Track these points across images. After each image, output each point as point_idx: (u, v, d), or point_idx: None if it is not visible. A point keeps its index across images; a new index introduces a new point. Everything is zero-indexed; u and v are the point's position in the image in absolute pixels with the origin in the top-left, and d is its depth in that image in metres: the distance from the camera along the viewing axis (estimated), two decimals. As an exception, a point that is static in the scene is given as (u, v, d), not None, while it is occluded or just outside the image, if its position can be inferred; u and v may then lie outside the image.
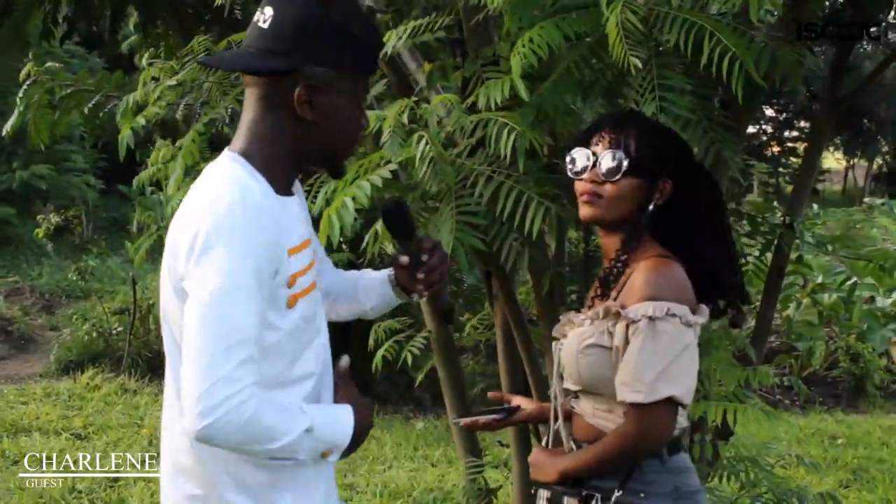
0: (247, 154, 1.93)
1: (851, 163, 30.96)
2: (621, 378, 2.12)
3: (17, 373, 8.48)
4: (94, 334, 8.65)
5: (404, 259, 2.17)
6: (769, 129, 28.17)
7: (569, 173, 2.29)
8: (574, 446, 2.30)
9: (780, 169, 27.29)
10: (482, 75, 3.01)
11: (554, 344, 2.37)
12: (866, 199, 24.16)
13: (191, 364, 1.78)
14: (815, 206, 19.68)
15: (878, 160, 31.84)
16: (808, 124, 25.97)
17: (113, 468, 5.86)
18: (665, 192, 2.23)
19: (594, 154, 2.22)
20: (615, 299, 2.18)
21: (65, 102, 4.62)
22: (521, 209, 2.75)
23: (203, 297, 1.79)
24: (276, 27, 1.87)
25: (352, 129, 1.98)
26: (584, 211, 2.24)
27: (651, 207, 2.22)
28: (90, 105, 4.53)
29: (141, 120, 3.57)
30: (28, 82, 4.55)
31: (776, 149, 28.20)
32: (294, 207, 1.99)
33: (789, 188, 27.88)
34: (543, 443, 2.45)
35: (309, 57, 1.87)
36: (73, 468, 5.84)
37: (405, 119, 2.89)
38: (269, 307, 1.86)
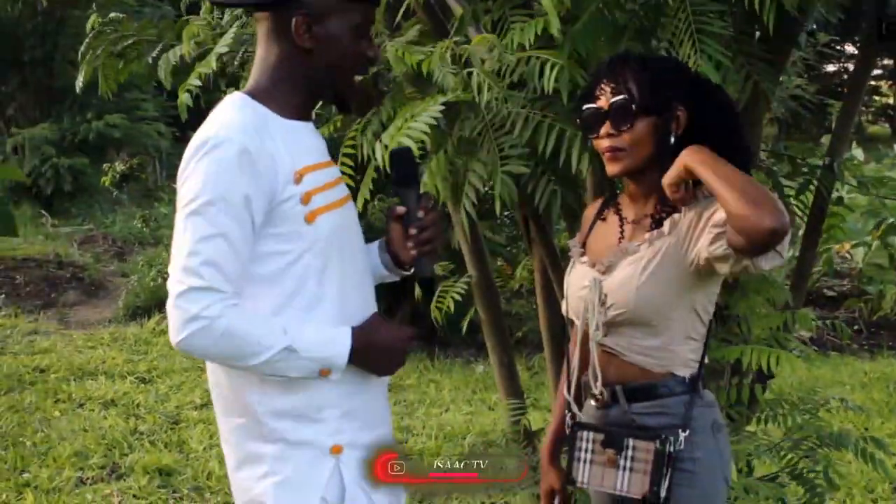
0: (251, 90, 1.99)
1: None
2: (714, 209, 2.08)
3: (87, 318, 8.69)
4: (161, 280, 8.79)
5: (401, 209, 2.13)
6: (850, 67, 27.38)
7: (585, 134, 2.28)
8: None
9: (863, 108, 26.58)
10: (509, 18, 2.99)
11: (587, 277, 2.28)
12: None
13: (172, 273, 1.84)
14: (896, 147, 19.21)
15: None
16: (892, 62, 25.16)
17: (174, 410, 6.00)
18: (682, 121, 2.19)
19: (600, 108, 2.20)
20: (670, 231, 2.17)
21: (127, 53, 4.65)
22: (565, 147, 2.73)
23: (185, 207, 1.85)
24: None
25: (354, 58, 2.00)
26: (611, 168, 2.22)
27: (672, 140, 2.18)
28: (153, 55, 4.56)
29: (195, 80, 3.57)
30: (91, 34, 4.57)
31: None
32: (311, 132, 2.05)
33: (871, 128, 27.22)
34: (565, 388, 2.42)
35: None
36: (136, 410, 6.01)
37: (448, 58, 2.87)
38: (276, 224, 1.90)
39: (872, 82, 27.50)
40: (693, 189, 2.15)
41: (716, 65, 2.48)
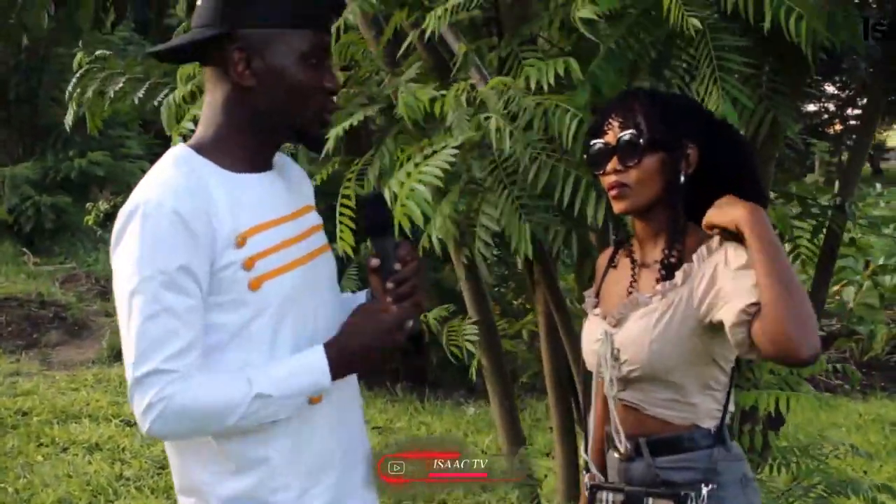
0: (195, 143, 1.85)
1: (917, 140, 30.20)
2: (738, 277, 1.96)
3: (70, 359, 8.54)
4: (146, 319, 8.65)
5: (375, 261, 1.94)
6: (831, 108, 27.52)
7: (592, 171, 2.20)
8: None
9: (843, 147, 26.71)
10: (519, 55, 2.93)
11: (599, 329, 2.19)
12: (932, 178, 23.61)
13: (125, 361, 1.74)
14: (878, 186, 19.34)
15: (946, 137, 31.03)
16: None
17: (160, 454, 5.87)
18: (692, 159, 2.10)
19: (607, 144, 2.11)
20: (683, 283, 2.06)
21: (117, 94, 4.58)
22: (581, 195, 2.65)
23: (124, 287, 1.73)
24: None
25: (305, 90, 1.82)
26: (617, 205, 2.12)
27: (682, 179, 2.09)
28: (140, 95, 4.48)
29: (188, 125, 3.49)
30: (79, 73, 4.49)
31: (839, 127, 27.54)
32: (266, 184, 1.87)
33: (852, 167, 27.39)
34: (583, 447, 2.33)
35: (237, 20, 1.77)
36: (121, 455, 5.88)
37: (463, 101, 2.80)
38: (215, 293, 1.77)
39: (852, 122, 27.68)
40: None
41: (733, 103, 2.42)
